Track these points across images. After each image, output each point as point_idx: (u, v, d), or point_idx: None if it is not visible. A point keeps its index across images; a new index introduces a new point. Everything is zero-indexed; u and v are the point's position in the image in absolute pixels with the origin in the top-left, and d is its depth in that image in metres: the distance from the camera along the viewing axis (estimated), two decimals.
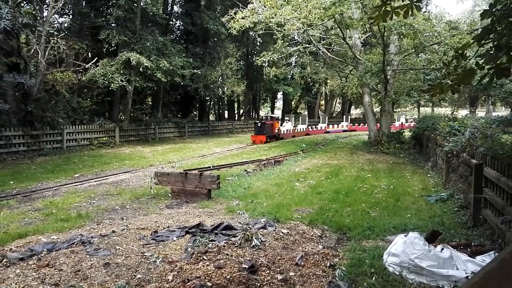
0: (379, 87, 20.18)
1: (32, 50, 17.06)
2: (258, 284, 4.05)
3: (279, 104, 54.68)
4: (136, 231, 5.81)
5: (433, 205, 7.88)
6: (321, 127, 35.08)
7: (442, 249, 4.52)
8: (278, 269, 4.45)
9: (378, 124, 20.82)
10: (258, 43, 23.07)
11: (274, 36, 20.08)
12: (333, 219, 6.74)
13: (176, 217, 6.85)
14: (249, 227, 5.81)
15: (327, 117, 37.93)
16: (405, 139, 19.67)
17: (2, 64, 16.58)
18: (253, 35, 23.26)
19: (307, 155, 17.47)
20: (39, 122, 17.30)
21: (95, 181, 11.23)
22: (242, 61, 37.60)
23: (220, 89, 31.25)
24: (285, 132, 28.89)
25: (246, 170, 12.73)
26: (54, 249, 4.84)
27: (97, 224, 6.54)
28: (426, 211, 7.44)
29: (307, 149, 20.04)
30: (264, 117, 28.86)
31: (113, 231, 5.75)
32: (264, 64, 20.62)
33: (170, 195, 8.83)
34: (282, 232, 5.78)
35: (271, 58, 20.17)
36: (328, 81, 34.52)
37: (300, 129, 32.33)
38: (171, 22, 30.50)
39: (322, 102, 51.12)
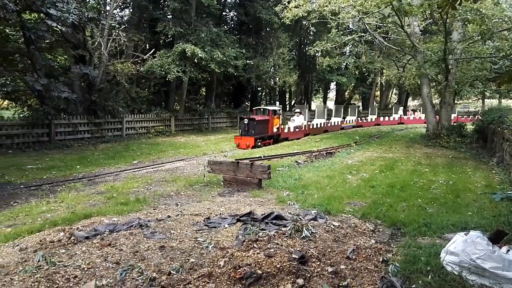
0: (439, 77, 19.06)
1: (96, 43, 18.10)
2: (308, 275, 4.03)
3: (332, 95, 53.45)
4: (190, 217, 6.01)
5: (498, 204, 7.36)
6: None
7: (508, 250, 4.21)
8: (329, 261, 4.40)
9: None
10: (311, 33, 22.55)
11: (328, 25, 19.57)
12: (387, 214, 6.53)
13: (227, 205, 6.99)
14: (299, 218, 5.80)
15: (341, 109, 33.01)
16: (467, 133, 18.53)
17: (70, 56, 17.82)
18: (306, 24, 22.90)
19: (360, 147, 17.02)
20: (101, 111, 18.41)
21: (152, 168, 11.77)
22: (295, 51, 37.17)
23: (272, 79, 31.21)
24: (292, 130, 21.51)
25: (296, 161, 12.66)
26: (115, 230, 5.14)
27: (154, 209, 6.85)
28: (489, 209, 6.97)
29: (360, 141, 19.53)
30: (255, 111, 19.93)
31: (168, 216, 6.00)
32: (317, 54, 20.25)
33: (222, 183, 9.03)
34: (333, 225, 5.70)
35: (325, 48, 19.69)
36: (384, 71, 33.01)
37: (318, 124, 25.33)
38: (225, 13, 30.83)
39: (378, 93, 49.23)
